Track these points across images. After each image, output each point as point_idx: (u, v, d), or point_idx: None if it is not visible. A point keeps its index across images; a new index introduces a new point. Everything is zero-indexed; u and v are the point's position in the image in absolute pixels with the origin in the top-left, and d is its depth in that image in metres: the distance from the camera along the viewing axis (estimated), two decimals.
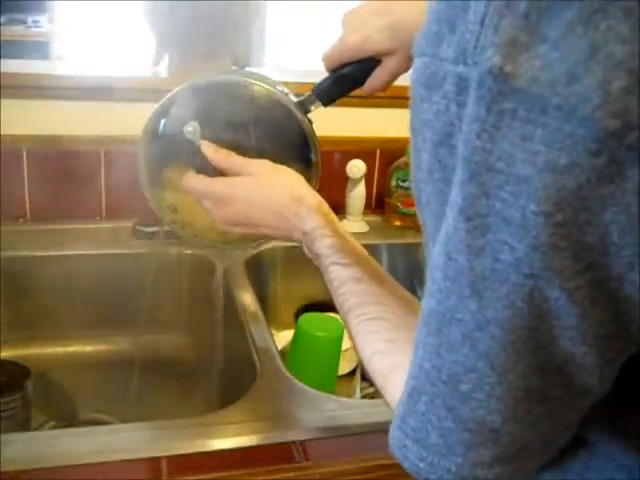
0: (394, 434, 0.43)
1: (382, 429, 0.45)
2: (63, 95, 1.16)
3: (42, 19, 3.30)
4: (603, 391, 0.38)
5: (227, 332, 1.01)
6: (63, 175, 1.18)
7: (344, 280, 0.59)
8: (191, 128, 0.70)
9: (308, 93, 0.74)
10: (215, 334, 1.01)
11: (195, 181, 0.70)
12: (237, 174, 0.68)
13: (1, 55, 1.39)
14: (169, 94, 0.72)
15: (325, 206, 0.66)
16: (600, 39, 0.29)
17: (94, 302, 1.15)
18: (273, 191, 0.66)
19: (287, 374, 0.85)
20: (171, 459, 0.68)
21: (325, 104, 0.74)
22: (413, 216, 1.20)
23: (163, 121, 0.72)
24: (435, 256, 0.38)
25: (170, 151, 0.73)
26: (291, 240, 0.67)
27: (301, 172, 0.70)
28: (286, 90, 0.73)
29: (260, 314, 0.99)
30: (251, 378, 0.84)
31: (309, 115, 0.73)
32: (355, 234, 0.67)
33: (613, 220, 0.31)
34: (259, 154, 0.70)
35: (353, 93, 0.75)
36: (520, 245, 0.33)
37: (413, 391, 0.41)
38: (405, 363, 0.43)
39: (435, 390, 0.39)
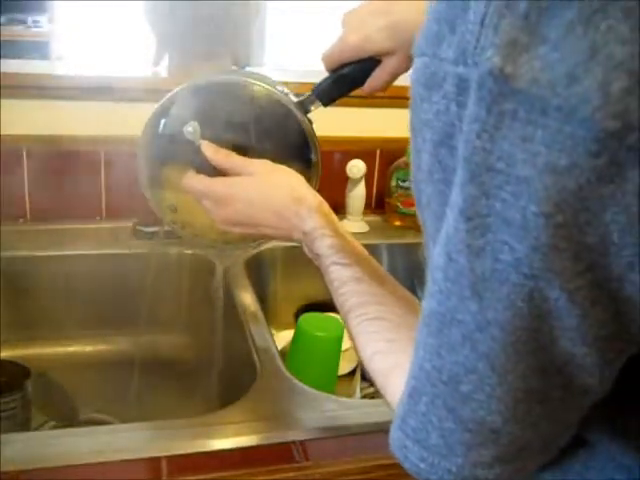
0: (394, 434, 0.43)
1: (382, 429, 0.45)
2: (63, 95, 1.16)
3: (42, 19, 3.30)
4: (603, 391, 0.38)
5: (227, 332, 1.01)
6: (63, 175, 1.18)
7: (344, 280, 0.59)
8: (191, 128, 0.70)
9: (308, 93, 0.74)
10: (215, 334, 1.01)
11: (195, 181, 0.70)
12: (237, 174, 0.68)
13: (1, 55, 1.39)
14: (169, 94, 0.72)
15: (325, 206, 0.66)
16: (600, 40, 0.29)
17: (94, 302, 1.15)
18: (273, 191, 0.66)
19: (287, 374, 0.85)
20: (171, 459, 0.68)
21: (325, 104, 0.74)
22: (413, 216, 1.20)
23: (163, 121, 0.72)
24: (435, 257, 0.38)
25: (170, 151, 0.73)
26: (291, 240, 0.67)
27: (301, 172, 0.70)
28: (286, 90, 0.73)
29: (260, 314, 0.99)
30: (251, 378, 0.84)
31: (309, 115, 0.73)
32: (355, 234, 0.67)
33: (613, 220, 0.31)
34: (259, 154, 0.70)
35: (353, 93, 0.75)
36: (520, 246, 0.33)
37: (414, 391, 0.41)
38: (405, 363, 0.43)
39: (436, 391, 0.39)
